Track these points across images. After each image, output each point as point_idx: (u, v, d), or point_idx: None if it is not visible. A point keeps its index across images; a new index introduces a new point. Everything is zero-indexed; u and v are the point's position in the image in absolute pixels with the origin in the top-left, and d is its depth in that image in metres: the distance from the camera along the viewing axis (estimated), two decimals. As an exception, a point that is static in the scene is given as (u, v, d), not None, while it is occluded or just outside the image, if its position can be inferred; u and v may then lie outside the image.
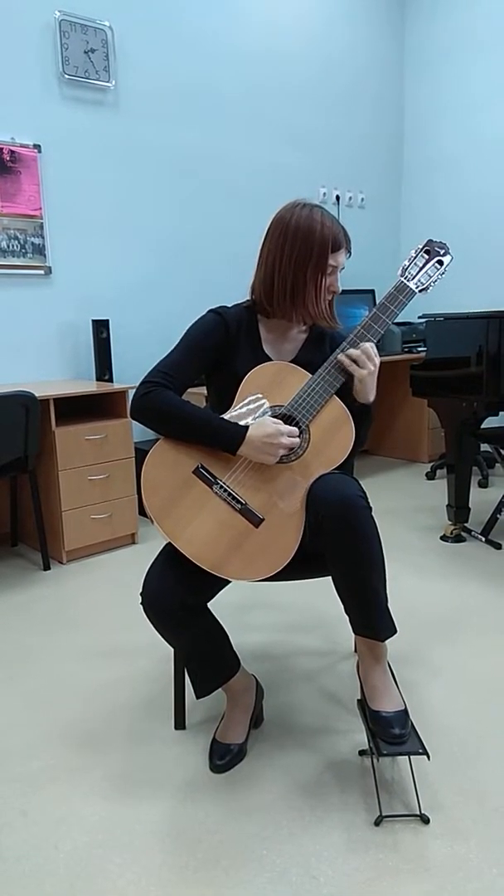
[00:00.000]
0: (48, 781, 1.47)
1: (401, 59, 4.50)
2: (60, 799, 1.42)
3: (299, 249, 1.39)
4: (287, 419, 1.39)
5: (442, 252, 1.46)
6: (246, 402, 1.40)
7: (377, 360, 1.42)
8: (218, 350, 1.46)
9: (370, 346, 1.41)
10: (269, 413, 1.39)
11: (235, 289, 3.40)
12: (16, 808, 1.39)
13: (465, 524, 2.88)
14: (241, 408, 1.40)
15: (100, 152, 3.18)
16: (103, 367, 3.12)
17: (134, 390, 1.40)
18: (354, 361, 1.39)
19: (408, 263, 1.45)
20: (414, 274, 1.44)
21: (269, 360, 1.47)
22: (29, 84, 2.92)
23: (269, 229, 1.44)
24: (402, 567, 2.59)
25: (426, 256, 1.46)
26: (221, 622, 1.48)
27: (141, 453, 2.97)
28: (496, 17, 4.00)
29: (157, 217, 3.44)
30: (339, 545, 1.30)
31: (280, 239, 1.41)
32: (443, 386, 2.74)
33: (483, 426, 2.98)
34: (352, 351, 1.40)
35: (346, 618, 1.39)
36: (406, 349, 4.04)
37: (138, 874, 1.22)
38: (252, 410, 1.39)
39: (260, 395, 1.40)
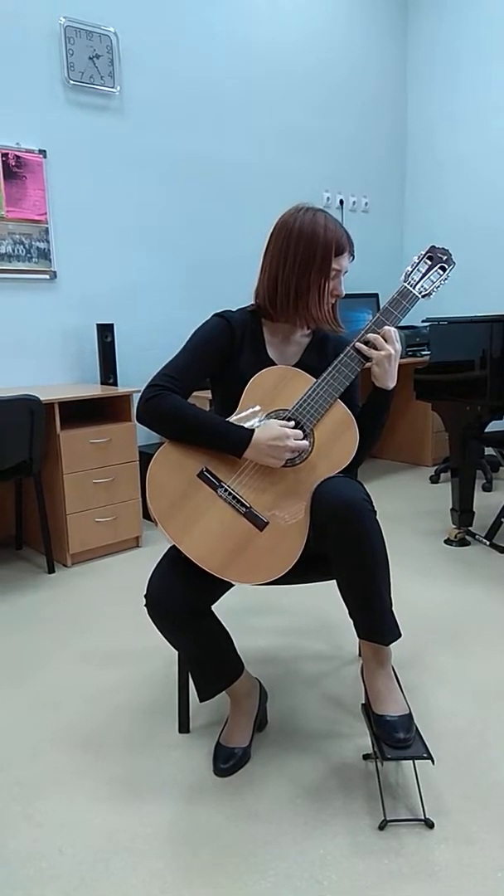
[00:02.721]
0: (52, 785, 1.47)
1: (403, 64, 4.51)
2: (64, 802, 1.42)
3: (302, 254, 1.40)
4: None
5: (444, 258, 1.46)
6: (244, 413, 1.40)
7: (398, 344, 1.41)
8: (223, 354, 1.47)
9: (393, 331, 1.41)
10: (264, 420, 1.39)
11: (240, 293, 3.40)
12: (20, 812, 1.39)
13: (470, 528, 2.87)
14: (238, 418, 1.40)
15: (105, 157, 3.20)
16: (108, 371, 3.13)
17: (139, 394, 1.41)
18: (373, 345, 1.39)
19: (411, 269, 1.45)
20: (417, 280, 1.45)
21: (273, 363, 1.47)
22: (34, 90, 2.94)
23: (272, 234, 1.45)
24: (407, 571, 2.59)
25: (429, 262, 1.46)
26: (225, 625, 1.48)
27: (145, 456, 2.98)
28: (498, 19, 4.00)
29: (163, 221, 3.45)
30: (343, 549, 1.30)
31: (283, 243, 1.41)
32: (446, 390, 2.74)
33: (487, 430, 2.98)
34: (370, 335, 1.40)
35: (351, 621, 1.39)
36: (410, 353, 4.04)
37: (142, 878, 1.22)
38: (247, 419, 1.40)
39: (257, 406, 1.40)
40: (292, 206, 1.45)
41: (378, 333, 1.41)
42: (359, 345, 1.40)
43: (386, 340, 1.40)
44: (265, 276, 1.46)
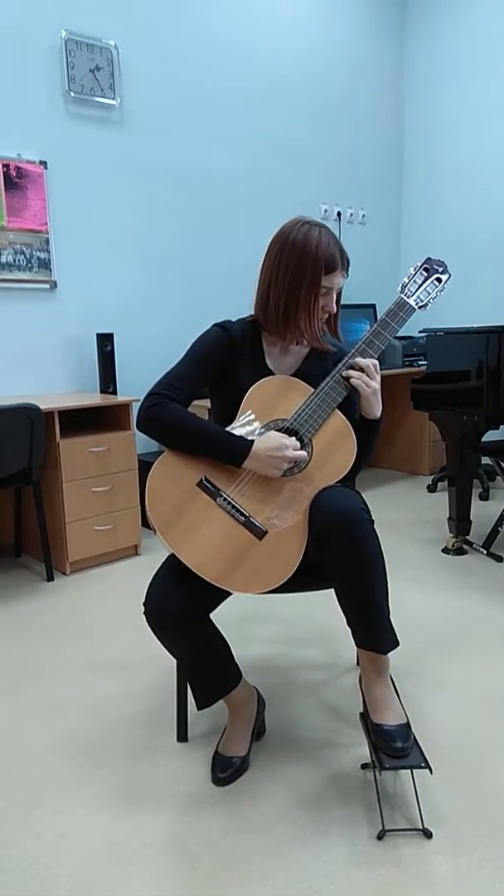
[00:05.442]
0: (51, 794, 1.47)
1: (400, 74, 4.56)
2: (63, 812, 1.42)
3: (294, 268, 1.40)
4: (290, 433, 1.40)
5: (440, 269, 1.48)
6: (242, 422, 1.41)
7: (378, 376, 1.44)
8: (222, 363, 1.48)
9: (372, 364, 1.42)
10: (263, 431, 1.40)
11: (238, 303, 3.43)
12: (18, 822, 1.39)
13: (467, 537, 2.88)
14: (234, 427, 1.41)
15: (105, 169, 3.22)
16: (107, 380, 3.14)
17: (138, 403, 1.41)
18: (359, 380, 1.41)
19: (407, 280, 1.47)
20: (413, 291, 1.46)
21: (272, 373, 1.48)
22: (35, 102, 2.97)
23: (269, 245, 1.46)
24: (404, 580, 2.59)
25: (425, 274, 1.48)
26: (223, 633, 1.49)
27: (144, 465, 2.99)
28: (495, 29, 4.05)
29: (162, 232, 3.48)
30: (341, 558, 1.31)
31: (277, 256, 1.43)
32: (443, 399, 2.76)
33: (483, 439, 2.99)
34: (352, 371, 1.41)
35: (349, 630, 1.39)
36: (407, 363, 4.07)
37: (140, 888, 1.22)
38: (244, 428, 1.41)
39: (251, 414, 1.41)
40: (293, 217, 1.46)
41: (361, 368, 1.41)
42: (349, 374, 1.41)
43: (370, 377, 1.42)
44: (260, 289, 1.47)
